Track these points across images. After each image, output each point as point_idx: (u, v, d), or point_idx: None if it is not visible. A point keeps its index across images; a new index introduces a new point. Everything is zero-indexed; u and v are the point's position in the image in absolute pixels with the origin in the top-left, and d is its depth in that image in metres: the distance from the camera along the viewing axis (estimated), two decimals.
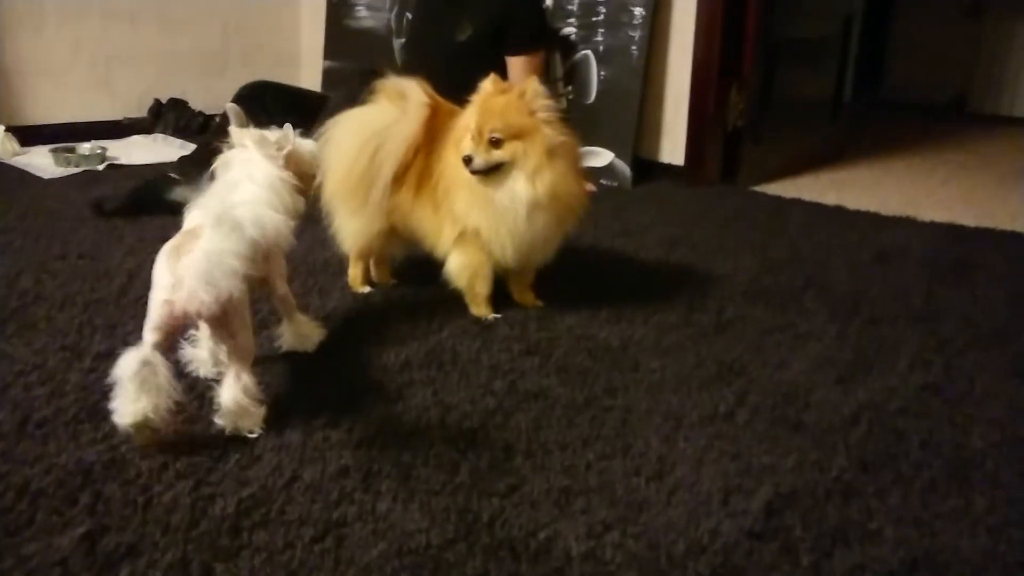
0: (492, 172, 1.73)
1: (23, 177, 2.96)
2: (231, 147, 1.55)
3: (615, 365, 1.65)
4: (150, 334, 1.28)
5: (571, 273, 2.11)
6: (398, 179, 1.83)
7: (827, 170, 3.68)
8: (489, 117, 1.70)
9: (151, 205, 2.47)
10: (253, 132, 1.53)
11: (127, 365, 1.24)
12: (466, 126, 1.75)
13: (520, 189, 1.72)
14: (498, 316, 1.85)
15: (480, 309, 1.85)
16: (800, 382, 1.59)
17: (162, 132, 3.70)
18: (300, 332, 1.64)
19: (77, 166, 3.12)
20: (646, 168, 3.29)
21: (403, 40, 3.74)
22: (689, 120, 3.23)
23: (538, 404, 1.48)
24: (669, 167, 3.30)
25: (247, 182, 1.47)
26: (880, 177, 3.64)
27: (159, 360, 1.26)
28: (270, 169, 1.49)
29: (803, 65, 3.62)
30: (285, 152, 1.53)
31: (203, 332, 1.49)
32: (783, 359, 1.69)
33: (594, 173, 3.25)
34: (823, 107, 3.89)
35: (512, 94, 1.73)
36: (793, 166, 3.59)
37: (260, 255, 1.39)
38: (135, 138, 3.64)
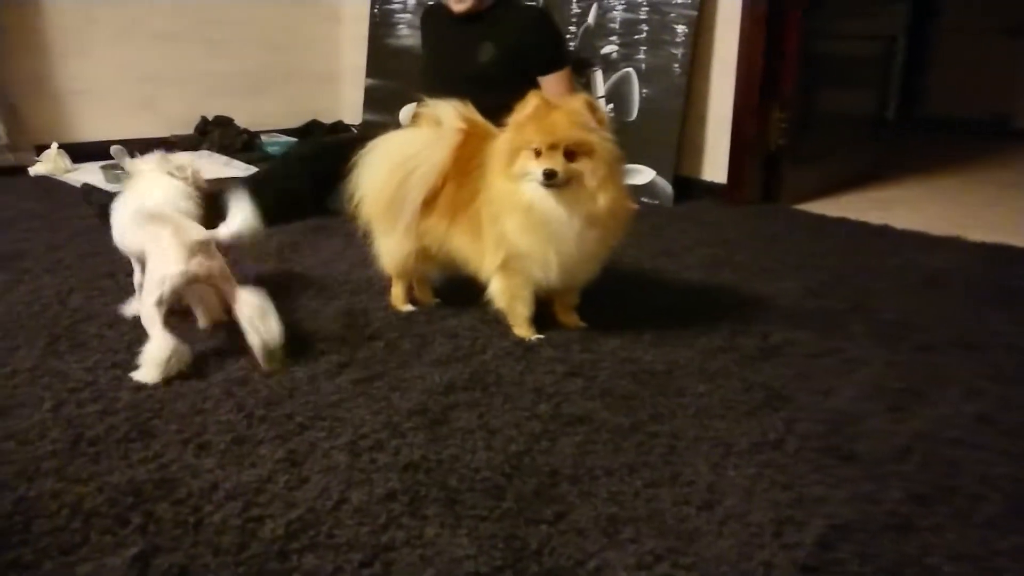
0: (561, 187, 1.71)
1: (73, 193, 3.02)
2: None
3: (660, 389, 1.63)
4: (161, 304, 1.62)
5: (613, 294, 2.10)
6: (429, 203, 1.85)
7: (871, 189, 3.63)
8: (557, 131, 1.69)
9: None
10: (152, 156, 2.01)
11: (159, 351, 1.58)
12: (511, 147, 1.73)
13: (583, 204, 1.71)
14: (541, 337, 1.84)
15: (522, 330, 1.85)
16: (850, 410, 1.56)
17: (208, 149, 3.76)
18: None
19: (126, 182, 3.18)
20: (687, 186, 3.27)
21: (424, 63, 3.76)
22: (731, 138, 3.21)
23: (583, 428, 1.47)
24: (710, 185, 3.28)
25: (156, 190, 1.90)
26: (925, 196, 3.58)
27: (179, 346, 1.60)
28: (171, 182, 1.94)
29: (846, 83, 3.59)
30: (188, 171, 1.98)
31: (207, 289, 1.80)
32: (831, 386, 1.66)
33: (635, 191, 3.23)
34: (866, 125, 3.85)
35: (569, 108, 1.72)
36: (836, 185, 3.55)
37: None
38: (185, 155, 3.70)
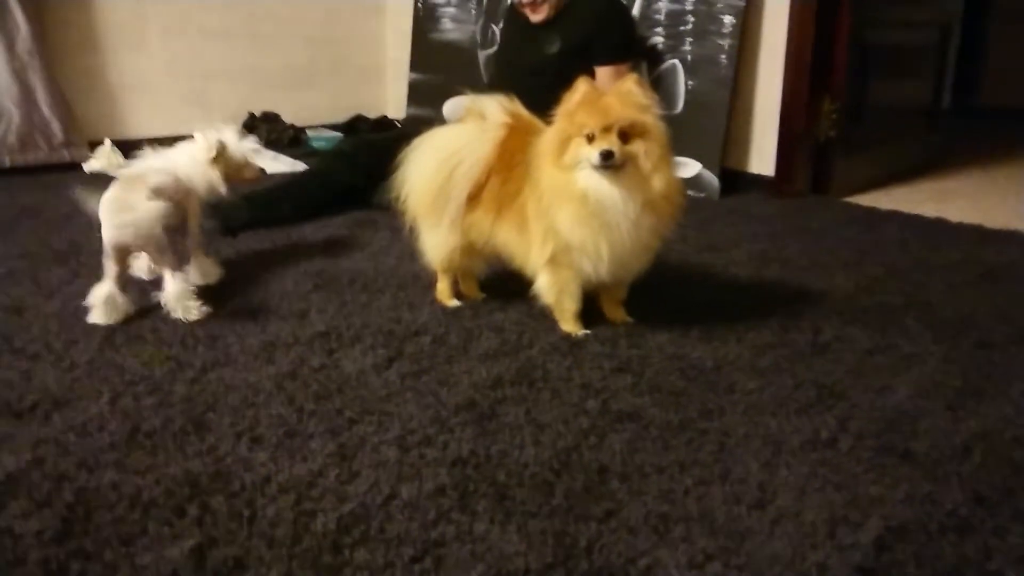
0: (617, 170, 1.68)
1: None
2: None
3: (709, 386, 1.61)
4: (109, 264, 1.85)
5: (660, 289, 2.08)
6: (474, 198, 1.85)
7: (924, 181, 3.55)
8: (611, 112, 1.66)
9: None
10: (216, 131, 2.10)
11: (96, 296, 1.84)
12: (562, 136, 1.71)
13: (639, 188, 1.68)
14: (588, 332, 1.83)
15: (569, 325, 1.84)
16: (906, 408, 1.53)
17: (255, 144, 3.81)
18: (203, 269, 2.07)
19: None
20: (734, 179, 3.23)
21: (489, 52, 3.77)
22: (779, 130, 3.16)
23: (632, 425, 1.46)
24: (758, 178, 3.23)
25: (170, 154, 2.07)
26: (982, 188, 3.49)
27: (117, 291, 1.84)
28: (188, 155, 2.05)
29: (898, 73, 3.51)
30: (215, 150, 2.04)
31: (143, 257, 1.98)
32: (886, 383, 1.63)
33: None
34: (919, 115, 3.76)
35: (620, 90, 1.70)
36: (888, 177, 3.47)
37: (175, 199, 1.91)
38: (232, 136, 3.76)
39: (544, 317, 1.88)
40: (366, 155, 2.92)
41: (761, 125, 3.21)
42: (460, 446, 1.38)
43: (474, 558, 1.11)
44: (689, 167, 3.18)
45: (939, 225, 2.83)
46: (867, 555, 1.13)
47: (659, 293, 2.06)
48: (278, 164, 3.49)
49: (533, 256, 1.81)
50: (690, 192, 3.15)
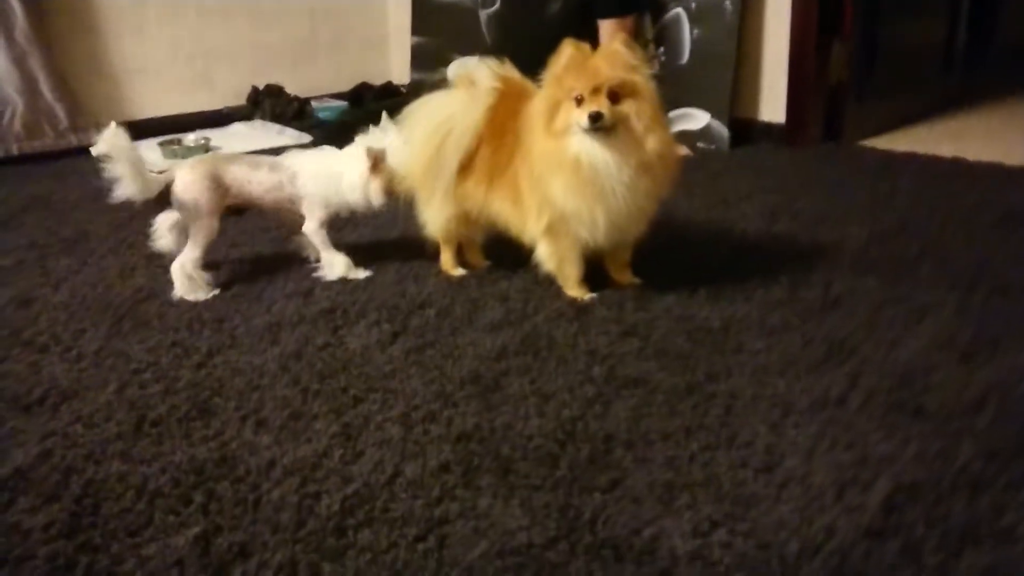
0: (608, 133, 1.63)
1: None
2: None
3: (717, 348, 1.59)
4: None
5: (667, 248, 2.05)
6: (466, 167, 1.82)
7: (942, 121, 3.45)
8: (599, 73, 1.62)
9: None
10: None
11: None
12: (550, 102, 1.67)
13: (633, 150, 1.64)
14: (594, 296, 1.81)
15: (574, 290, 1.82)
16: (918, 362, 1.50)
17: (261, 119, 3.79)
18: (328, 262, 2.01)
19: (183, 158, 3.23)
20: (744, 128, 3.16)
21: (490, 12, 3.70)
22: (789, 76, 3.08)
23: (638, 391, 1.45)
24: (769, 126, 3.16)
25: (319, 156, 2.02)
26: (1001, 126, 3.39)
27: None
28: (343, 160, 1.96)
29: (912, 13, 3.39)
30: (373, 155, 1.92)
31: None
32: (898, 337, 1.60)
33: (690, 137, 3.15)
34: (935, 56, 3.64)
35: (607, 51, 1.66)
36: (904, 119, 3.39)
37: (283, 191, 1.97)
38: (236, 126, 3.75)
39: (550, 283, 1.86)
40: (371, 124, 2.89)
41: (770, 72, 3.12)
42: (464, 420, 1.37)
43: (477, 535, 1.11)
44: (697, 119, 3.12)
45: (957, 166, 2.76)
46: (876, 516, 1.11)
47: (667, 252, 2.03)
48: (283, 138, 3.47)
49: (530, 226, 1.78)
50: (699, 144, 3.11)
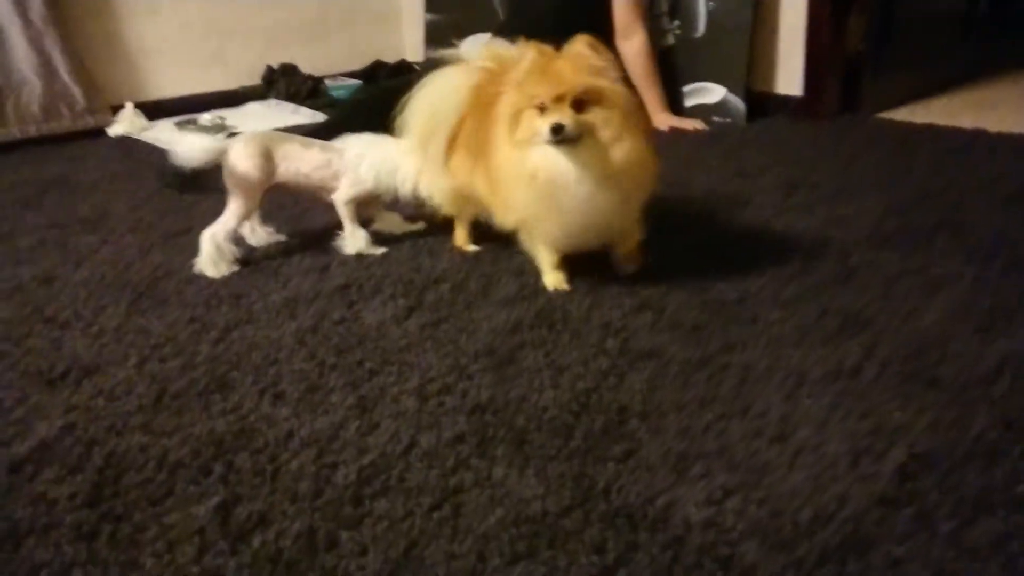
0: (573, 143, 1.54)
1: (152, 152, 3.11)
2: None
3: (731, 319, 1.59)
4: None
5: (682, 221, 2.05)
6: (453, 143, 1.82)
7: (962, 91, 3.40)
8: (562, 80, 1.51)
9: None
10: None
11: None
12: (513, 108, 1.58)
13: (597, 161, 1.54)
14: (566, 288, 1.74)
15: (548, 277, 1.77)
16: (934, 333, 1.49)
17: (275, 98, 3.80)
18: (350, 234, 2.03)
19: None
20: (761, 102, 3.13)
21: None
22: (806, 47, 3.04)
23: (652, 363, 1.45)
24: (786, 99, 3.13)
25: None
26: (1022, 97, 3.34)
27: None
28: (401, 150, 1.95)
29: None
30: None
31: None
32: (914, 308, 1.59)
33: (705, 111, 3.12)
34: (955, 24, 3.59)
35: (571, 53, 1.55)
36: (923, 89, 3.34)
37: (329, 168, 2.00)
38: (251, 105, 3.76)
39: (564, 256, 1.86)
40: (385, 102, 2.89)
41: (787, 44, 3.09)
42: (479, 393, 1.38)
43: (492, 503, 1.12)
44: (713, 92, 3.10)
45: (977, 137, 2.73)
46: (889, 484, 1.11)
47: (682, 226, 2.03)
48: (297, 117, 3.48)
49: (502, 218, 1.76)
50: (715, 118, 3.09)
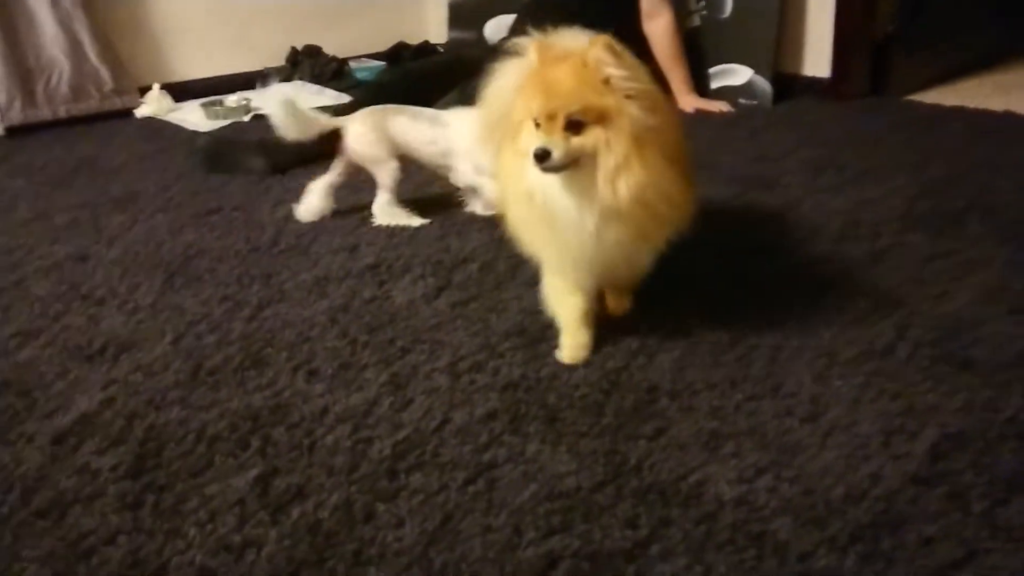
0: (567, 169, 1.26)
1: (179, 133, 3.13)
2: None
3: (761, 300, 1.59)
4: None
5: (710, 203, 2.04)
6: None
7: (992, 73, 3.36)
8: (559, 93, 1.23)
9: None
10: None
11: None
12: (517, 115, 1.33)
13: (598, 194, 1.26)
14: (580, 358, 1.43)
15: (566, 345, 1.44)
16: (966, 314, 1.49)
17: (300, 79, 3.81)
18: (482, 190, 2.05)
19: (225, 118, 3.28)
20: (788, 83, 3.11)
21: None
22: (834, 29, 3.01)
23: (682, 343, 1.46)
24: (813, 81, 3.10)
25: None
26: None
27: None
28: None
29: None
30: None
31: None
32: (946, 290, 1.58)
33: (731, 92, 3.10)
34: (986, 6, 3.53)
35: (575, 61, 1.25)
36: (953, 72, 3.30)
37: (437, 145, 2.04)
38: (276, 87, 3.77)
39: None
40: (408, 84, 2.89)
41: (815, 25, 3.06)
42: (511, 371, 1.40)
43: (526, 479, 1.14)
44: (739, 74, 3.07)
45: (1007, 120, 2.69)
46: (922, 464, 1.12)
47: (709, 207, 2.02)
48: (322, 98, 3.49)
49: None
50: (741, 100, 3.07)
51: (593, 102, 1.23)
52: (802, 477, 1.11)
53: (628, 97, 1.23)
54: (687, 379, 1.35)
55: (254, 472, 1.17)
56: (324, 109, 2.76)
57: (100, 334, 1.59)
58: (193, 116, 3.32)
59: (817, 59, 3.09)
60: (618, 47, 1.23)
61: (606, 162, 1.24)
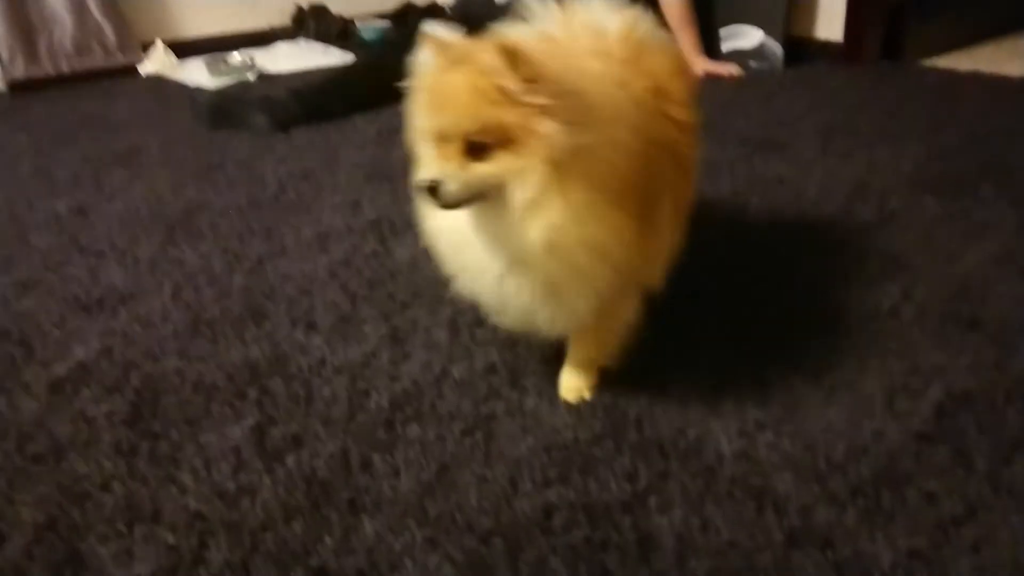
0: (474, 203, 0.97)
1: (182, 90, 3.10)
2: None
3: (768, 261, 1.57)
4: None
5: (717, 167, 2.01)
6: None
7: (1008, 39, 3.29)
8: (453, 107, 0.94)
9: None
10: None
11: None
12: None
13: (504, 235, 0.98)
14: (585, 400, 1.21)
15: (566, 383, 1.22)
16: (975, 276, 1.46)
17: (305, 38, 3.77)
18: None
19: (230, 76, 3.24)
20: (800, 46, 3.05)
21: None
22: None
23: (686, 300, 1.43)
24: (826, 44, 3.05)
25: None
26: None
27: None
28: None
29: None
30: None
31: None
32: (955, 252, 1.56)
33: (742, 55, 3.05)
34: None
35: (472, 66, 0.92)
36: (969, 37, 3.23)
37: None
38: (280, 46, 3.73)
39: None
40: (415, 44, 2.85)
41: None
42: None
43: (524, 432, 1.12)
44: (750, 36, 3.02)
45: (1023, 85, 2.64)
46: (926, 422, 1.10)
47: (717, 170, 1.99)
48: (327, 58, 3.45)
49: None
50: (752, 63, 3.02)
51: (494, 119, 0.92)
52: (803, 433, 1.09)
53: (545, 111, 0.91)
54: (691, 336, 1.33)
55: (250, 421, 1.16)
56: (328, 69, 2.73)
57: (99, 286, 1.58)
58: (197, 74, 3.29)
59: (830, 22, 3.03)
60: (516, 52, 0.89)
61: (515, 197, 0.94)
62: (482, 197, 0.96)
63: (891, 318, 1.36)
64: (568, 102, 0.92)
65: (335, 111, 2.65)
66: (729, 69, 2.96)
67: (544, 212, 0.94)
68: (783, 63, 3.00)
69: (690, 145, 1.18)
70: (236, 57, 3.37)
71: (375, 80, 2.80)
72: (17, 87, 3.18)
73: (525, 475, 1.04)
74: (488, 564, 0.92)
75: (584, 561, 0.91)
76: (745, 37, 3.03)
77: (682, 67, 1.26)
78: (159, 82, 3.27)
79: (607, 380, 1.22)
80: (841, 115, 2.43)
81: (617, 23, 1.14)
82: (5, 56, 3.17)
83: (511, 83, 0.90)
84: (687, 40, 2.94)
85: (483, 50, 0.91)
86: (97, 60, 3.33)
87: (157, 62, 3.40)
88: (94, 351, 1.35)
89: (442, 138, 0.95)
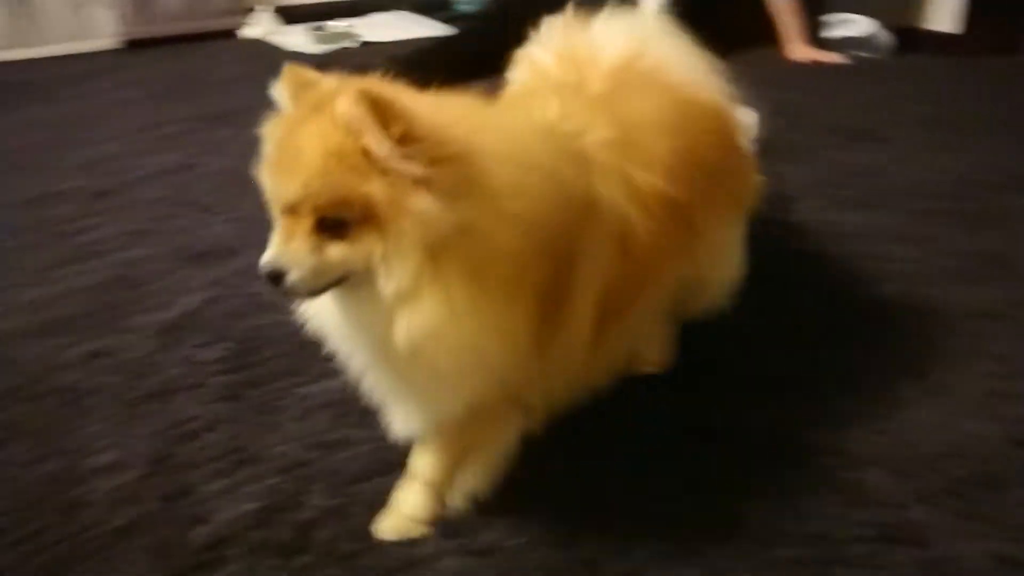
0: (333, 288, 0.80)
1: (284, 54, 3.18)
2: None
3: (861, 253, 1.54)
4: None
5: (807, 152, 1.96)
6: None
7: None
8: (298, 171, 0.75)
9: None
10: None
11: None
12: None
13: (373, 323, 0.80)
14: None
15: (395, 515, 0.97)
16: None
17: (401, 9, 3.81)
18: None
19: (332, 43, 3.31)
20: (910, 37, 2.95)
21: None
22: None
23: (774, 287, 1.42)
24: (938, 36, 2.94)
25: None
26: None
27: None
28: None
29: None
30: None
31: None
32: None
33: (852, 44, 2.95)
34: None
35: (331, 122, 0.74)
36: None
37: None
38: (379, 15, 3.78)
39: None
40: (513, 15, 2.85)
41: None
42: None
43: None
44: (859, 25, 2.93)
45: None
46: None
47: (806, 154, 1.95)
48: (422, 29, 3.48)
49: None
50: (861, 53, 2.92)
51: (355, 190, 0.73)
52: (898, 430, 1.08)
53: (420, 182, 0.72)
54: (780, 324, 1.32)
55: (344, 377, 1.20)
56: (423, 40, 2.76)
57: (204, 238, 1.66)
58: (298, 39, 3.36)
59: (944, 13, 2.92)
60: (394, 102, 0.72)
61: (383, 285, 0.76)
62: (344, 280, 0.78)
63: (990, 319, 1.32)
64: (450, 169, 0.73)
65: (436, 82, 2.67)
66: (834, 58, 2.87)
67: (416, 308, 0.76)
68: (893, 53, 2.90)
69: (655, 226, 0.88)
70: (338, 24, 3.43)
71: (477, 51, 2.82)
72: (134, 44, 3.33)
73: None
74: None
75: None
76: (855, 26, 2.94)
77: (708, 115, 0.99)
78: (261, 46, 3.36)
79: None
80: (946, 108, 2.35)
81: (618, 48, 0.96)
82: (124, 15, 3.31)
83: (378, 144, 0.71)
84: (793, 27, 2.87)
85: (346, 97, 0.72)
86: (204, 22, 3.45)
87: (261, 27, 3.49)
88: (200, 300, 1.42)
89: (290, 211, 0.76)
